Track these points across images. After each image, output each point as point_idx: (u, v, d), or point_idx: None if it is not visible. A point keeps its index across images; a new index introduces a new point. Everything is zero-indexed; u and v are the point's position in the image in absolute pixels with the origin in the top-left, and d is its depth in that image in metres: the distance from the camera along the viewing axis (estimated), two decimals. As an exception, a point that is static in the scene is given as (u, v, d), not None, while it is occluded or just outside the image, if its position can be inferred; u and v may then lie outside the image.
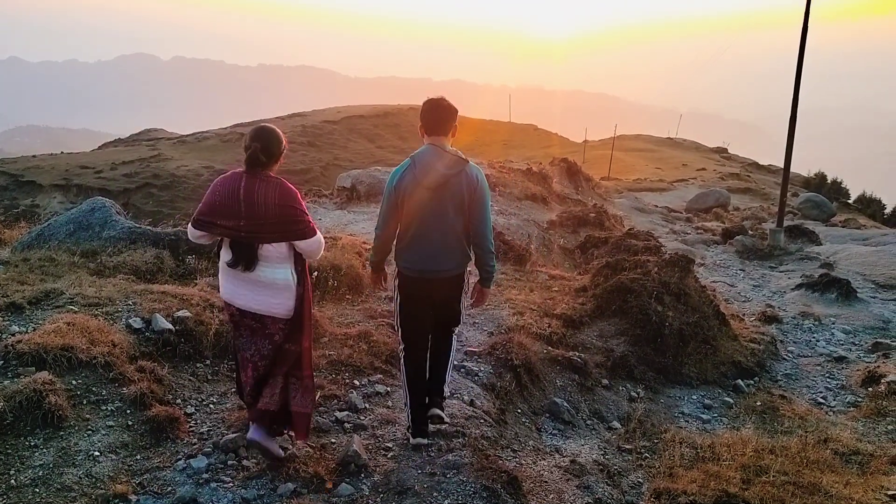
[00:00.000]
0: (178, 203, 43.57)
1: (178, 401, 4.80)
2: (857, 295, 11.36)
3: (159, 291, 5.99)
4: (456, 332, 4.79)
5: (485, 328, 7.27)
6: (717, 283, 12.69)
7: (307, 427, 4.28)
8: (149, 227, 7.21)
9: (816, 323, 10.12)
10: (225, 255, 3.98)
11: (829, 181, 41.79)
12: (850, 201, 39.70)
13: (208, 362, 5.40)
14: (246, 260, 3.87)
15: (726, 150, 64.44)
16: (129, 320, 5.38)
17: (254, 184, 3.82)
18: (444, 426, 4.76)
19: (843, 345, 9.22)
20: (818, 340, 9.39)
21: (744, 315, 10.24)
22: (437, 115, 4.30)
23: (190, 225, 3.97)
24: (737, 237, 16.83)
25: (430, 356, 4.68)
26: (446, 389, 4.87)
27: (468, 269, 4.57)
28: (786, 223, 17.95)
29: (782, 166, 17.46)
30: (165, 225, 8.52)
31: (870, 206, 38.37)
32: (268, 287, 3.94)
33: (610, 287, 8.40)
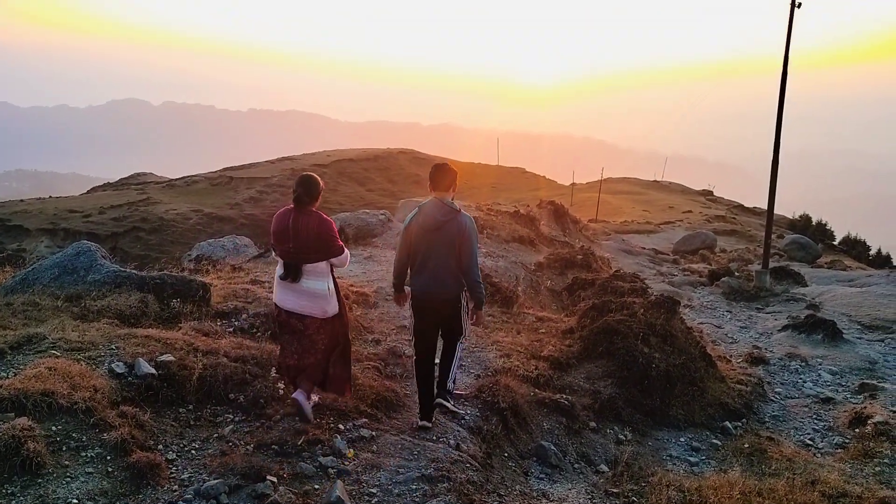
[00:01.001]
0: (167, 247, 43.41)
1: (160, 446, 4.74)
2: (843, 336, 11.41)
3: (143, 335, 5.96)
4: (460, 342, 5.96)
5: (472, 371, 7.25)
6: (705, 325, 12.72)
7: (346, 387, 5.63)
8: (134, 271, 7.19)
9: (803, 364, 10.14)
10: (278, 270, 5.29)
11: (813, 223, 42.20)
12: (835, 243, 40.08)
13: (191, 407, 5.35)
14: (293, 274, 5.19)
15: (712, 192, 65.14)
16: (112, 365, 5.33)
17: (299, 217, 5.14)
18: (447, 412, 5.98)
19: (829, 386, 9.23)
20: (805, 381, 9.40)
21: (731, 356, 10.25)
22: (441, 176, 5.59)
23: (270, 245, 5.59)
24: (723, 279, 16.93)
25: (440, 359, 6.02)
26: (451, 385, 6.04)
27: (463, 293, 5.70)
28: (772, 265, 18.09)
29: (766, 208, 17.65)
30: (151, 268, 8.50)
31: (855, 248, 38.74)
32: (309, 295, 5.24)
33: (596, 329, 8.41)
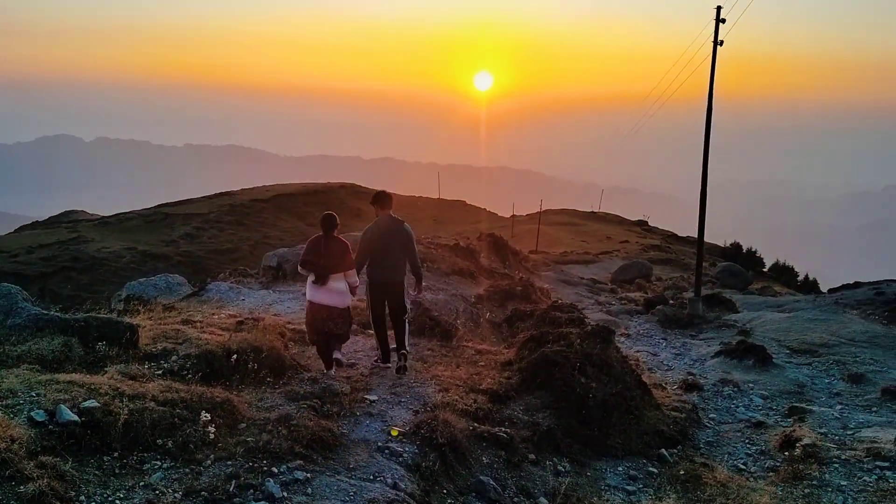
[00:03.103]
0: (99, 286, 42.00)
1: (82, 497, 4.52)
2: (773, 360, 11.76)
3: (66, 381, 5.71)
4: (406, 318, 8.32)
5: (410, 406, 7.18)
6: (641, 353, 12.94)
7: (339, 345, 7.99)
8: (57, 314, 6.92)
9: (736, 389, 10.39)
10: (311, 278, 7.66)
11: (744, 250, 43.60)
12: (765, 269, 41.43)
13: (116, 454, 5.13)
14: (323, 279, 7.55)
15: (647, 222, 66.83)
16: (32, 413, 5.09)
17: (327, 241, 7.60)
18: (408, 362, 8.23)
19: (761, 410, 9.47)
20: (738, 407, 9.62)
21: (666, 383, 10.44)
22: (388, 199, 8.20)
23: (299, 265, 7.94)
24: (658, 307, 17.30)
25: (394, 332, 8.32)
26: (407, 347, 8.31)
27: (406, 278, 8.21)
28: (704, 292, 18.58)
29: (697, 228, 18.19)
30: (78, 310, 8.21)
31: (784, 274, 40.13)
32: (333, 292, 7.64)
33: (534, 360, 8.46)
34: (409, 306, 8.37)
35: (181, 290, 13.07)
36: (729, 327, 15.20)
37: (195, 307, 11.17)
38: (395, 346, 8.35)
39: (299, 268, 7.96)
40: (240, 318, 9.79)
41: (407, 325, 8.33)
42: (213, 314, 10.34)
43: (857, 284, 19.80)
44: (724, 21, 16.91)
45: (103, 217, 62.80)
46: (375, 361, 8.41)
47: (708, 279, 28.31)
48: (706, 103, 17.49)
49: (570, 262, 36.47)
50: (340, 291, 7.65)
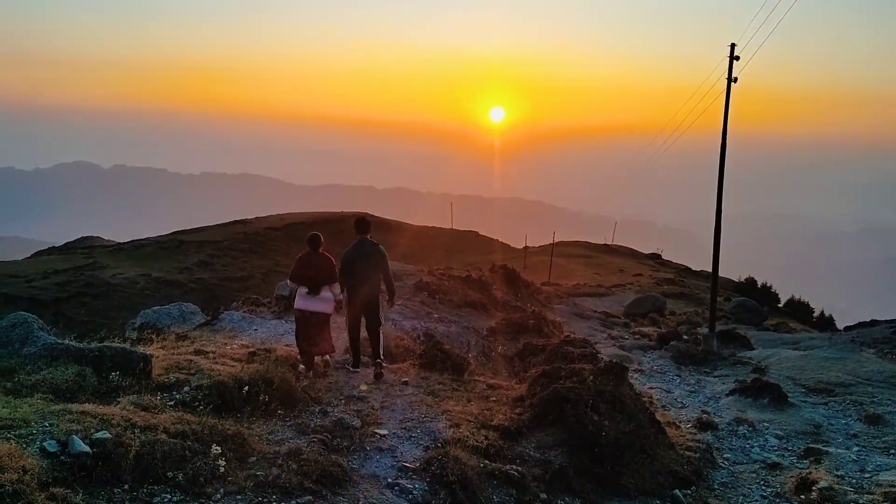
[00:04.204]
0: (112, 312, 42.28)
1: (91, 531, 4.51)
2: (789, 399, 11.61)
3: (79, 411, 5.73)
4: (381, 330, 9.42)
5: (420, 442, 7.13)
6: (654, 390, 12.81)
7: (326, 350, 9.24)
8: (72, 343, 6.96)
9: (750, 429, 10.25)
10: (302, 289, 8.99)
11: (759, 285, 43.38)
12: (780, 305, 41.15)
13: (127, 487, 5.12)
14: (315, 290, 8.92)
15: (660, 255, 66.63)
16: (44, 443, 5.10)
17: (315, 257, 9.01)
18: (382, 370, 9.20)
19: (776, 451, 9.33)
20: (753, 447, 9.49)
21: (680, 422, 10.31)
22: (366, 225, 9.50)
23: (289, 280, 9.33)
24: (672, 342, 17.17)
25: (370, 342, 9.37)
26: (381, 355, 9.28)
27: (380, 293, 9.49)
28: (719, 328, 18.45)
29: (712, 264, 18.10)
30: (93, 338, 8.25)
31: (799, 310, 39.85)
32: (321, 300, 8.99)
33: (546, 396, 8.39)
34: (382, 320, 9.60)
35: (194, 319, 13.12)
36: (744, 364, 15.05)
37: (208, 336, 11.21)
38: (371, 354, 9.45)
39: (289, 282, 9.27)
40: (252, 349, 9.80)
41: (381, 336, 9.39)
42: (226, 344, 10.37)
43: (873, 322, 19.61)
44: (737, 58, 17.01)
45: (119, 243, 63.38)
46: (347, 367, 9.51)
47: (722, 314, 28.12)
48: (720, 138, 17.53)
49: (583, 295, 36.35)
50: (327, 300, 9.02)
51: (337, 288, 9.00)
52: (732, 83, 17.02)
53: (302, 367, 8.95)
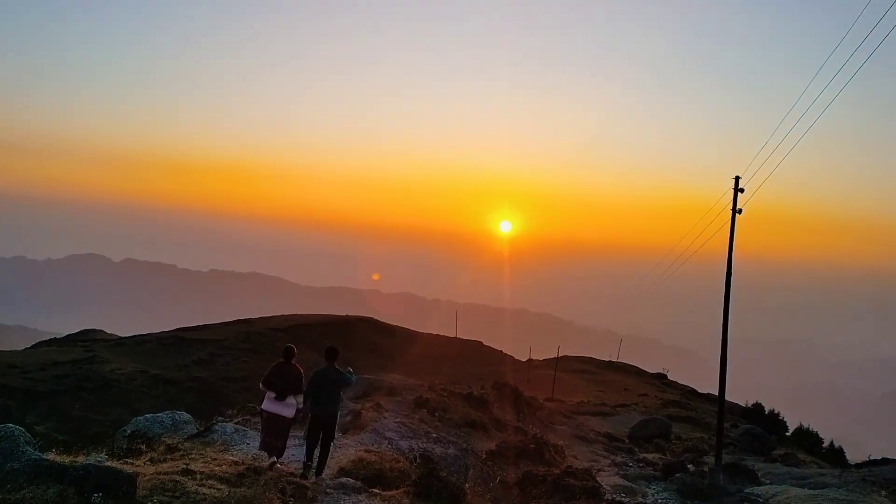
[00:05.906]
0: (108, 408, 41.61)
1: None
2: (799, 545, 11.06)
3: (53, 538, 5.48)
4: (332, 443, 10.86)
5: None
6: (658, 527, 12.27)
7: (279, 450, 10.50)
8: (56, 461, 6.75)
9: (759, 578, 9.72)
10: (270, 395, 10.31)
11: (766, 412, 42.41)
12: (788, 433, 40.07)
13: None
14: (283, 396, 10.25)
15: (666, 375, 65.67)
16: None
17: (287, 367, 10.52)
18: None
19: None
20: None
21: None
22: (335, 353, 10.91)
23: (261, 384, 10.47)
24: (677, 475, 16.60)
25: (320, 453, 10.60)
26: (325, 470, 10.62)
27: (338, 411, 11.03)
28: (725, 457, 17.90)
29: (718, 401, 17.74)
30: (82, 445, 8.02)
31: (807, 440, 38.72)
32: (286, 406, 10.29)
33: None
34: (336, 435, 11.10)
35: (186, 429, 12.82)
36: (751, 502, 14.47)
37: (199, 450, 10.90)
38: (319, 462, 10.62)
39: (261, 385, 10.44)
40: (242, 467, 9.51)
41: (330, 450, 10.85)
42: (215, 458, 10.08)
43: (885, 461, 19.02)
44: (742, 191, 17.28)
45: (121, 338, 63.06)
46: (301, 461, 10.78)
47: (729, 441, 27.37)
48: (725, 266, 17.59)
49: (587, 413, 35.60)
50: (290, 405, 10.32)
51: (301, 397, 10.37)
52: (737, 214, 17.23)
53: (271, 459, 10.28)
